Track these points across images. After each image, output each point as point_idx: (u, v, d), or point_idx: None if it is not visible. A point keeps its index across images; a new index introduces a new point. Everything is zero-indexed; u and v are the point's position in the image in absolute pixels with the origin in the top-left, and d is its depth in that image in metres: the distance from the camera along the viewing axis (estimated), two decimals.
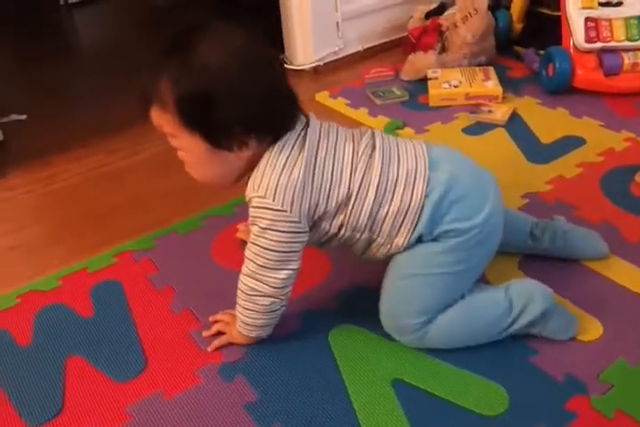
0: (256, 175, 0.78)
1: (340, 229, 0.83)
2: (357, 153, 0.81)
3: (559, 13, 1.57)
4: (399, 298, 0.86)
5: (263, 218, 0.78)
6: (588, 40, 1.47)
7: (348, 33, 1.78)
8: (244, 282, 0.83)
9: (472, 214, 0.82)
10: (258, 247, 0.79)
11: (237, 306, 0.86)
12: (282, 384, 0.85)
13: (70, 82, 1.81)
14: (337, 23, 1.75)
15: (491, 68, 1.60)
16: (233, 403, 0.83)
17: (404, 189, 0.81)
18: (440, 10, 1.75)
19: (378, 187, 0.80)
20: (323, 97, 1.61)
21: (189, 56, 0.73)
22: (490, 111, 1.45)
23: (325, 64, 1.77)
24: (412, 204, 0.81)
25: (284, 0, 1.72)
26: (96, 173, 1.35)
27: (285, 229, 0.78)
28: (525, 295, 0.87)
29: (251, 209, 0.79)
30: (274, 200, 0.77)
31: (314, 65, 1.76)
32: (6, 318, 0.99)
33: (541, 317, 0.87)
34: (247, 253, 0.82)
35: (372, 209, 0.80)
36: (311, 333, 0.92)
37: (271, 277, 0.81)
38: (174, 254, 1.10)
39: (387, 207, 0.81)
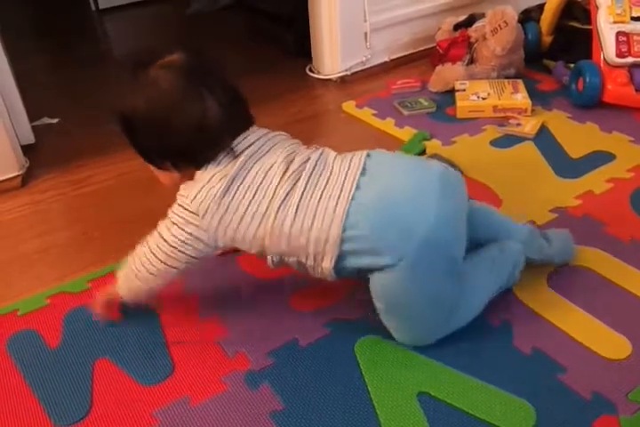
0: (187, 184, 0.87)
1: (262, 253, 0.87)
2: (282, 181, 0.84)
3: (589, 27, 1.56)
4: (409, 325, 0.89)
5: (178, 215, 0.86)
6: (619, 55, 1.47)
7: (376, 43, 1.79)
8: (135, 262, 0.90)
9: (403, 239, 0.81)
10: (160, 239, 0.87)
11: (121, 272, 0.93)
12: (307, 394, 0.85)
13: (101, 87, 1.84)
14: (365, 34, 1.76)
15: (519, 81, 1.59)
16: (259, 411, 0.83)
17: (323, 220, 0.82)
18: (469, 22, 1.75)
19: (296, 215, 0.82)
20: (349, 107, 1.61)
21: (122, 97, 0.86)
22: (518, 124, 1.45)
23: (353, 74, 1.78)
24: (331, 234, 0.81)
25: (314, 10, 1.73)
26: (127, 178, 1.37)
27: (188, 230, 0.85)
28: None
29: (174, 205, 0.87)
30: (191, 202, 0.84)
31: (341, 75, 1.77)
32: (36, 319, 1.00)
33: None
34: (151, 238, 0.88)
35: (289, 237, 0.83)
36: (337, 343, 0.92)
37: (152, 264, 0.88)
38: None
39: (306, 235, 0.82)
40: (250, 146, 0.86)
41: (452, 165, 1.29)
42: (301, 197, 0.82)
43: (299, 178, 0.83)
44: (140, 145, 0.88)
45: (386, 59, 1.83)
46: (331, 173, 0.84)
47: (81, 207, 1.30)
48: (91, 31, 2.45)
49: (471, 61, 1.68)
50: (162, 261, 0.87)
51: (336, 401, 0.84)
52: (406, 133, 1.46)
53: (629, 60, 1.46)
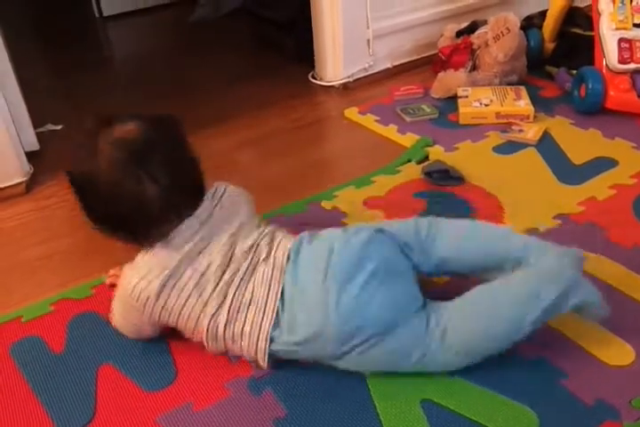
0: (131, 265, 0.89)
1: (205, 342, 0.88)
2: (214, 293, 0.85)
3: (592, 33, 1.57)
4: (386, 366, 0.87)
5: (122, 306, 0.91)
6: (622, 61, 1.47)
7: (379, 50, 1.79)
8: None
9: (336, 349, 0.83)
10: (117, 323, 0.94)
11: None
12: (310, 401, 0.86)
13: (104, 93, 1.85)
14: (368, 40, 1.76)
15: (522, 88, 1.60)
16: (262, 417, 0.84)
17: (249, 335, 0.85)
18: (471, 28, 1.76)
19: (225, 330, 0.85)
20: (352, 113, 1.62)
21: (71, 164, 0.88)
22: (521, 131, 1.45)
23: (355, 80, 1.78)
24: (259, 347, 0.85)
25: (316, 17, 1.74)
26: None
27: (135, 321, 0.91)
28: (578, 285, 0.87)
29: (118, 288, 0.91)
30: (131, 294, 0.86)
31: (344, 81, 1.77)
32: (40, 325, 1.01)
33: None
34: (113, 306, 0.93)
35: (223, 342, 0.87)
36: None
37: (127, 331, 0.95)
38: None
39: (238, 344, 0.86)
40: (192, 236, 0.86)
41: (455, 171, 1.30)
42: (228, 313, 0.85)
43: (226, 293, 0.86)
44: (83, 208, 0.89)
45: (388, 65, 1.83)
46: (253, 288, 0.86)
47: None
48: (94, 38, 2.46)
49: (473, 68, 1.68)
50: (132, 332, 0.95)
51: (339, 408, 0.84)
52: (409, 140, 1.46)
53: (632, 66, 1.46)
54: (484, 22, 1.73)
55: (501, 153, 1.40)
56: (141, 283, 0.85)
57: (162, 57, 2.14)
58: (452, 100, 1.60)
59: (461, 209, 1.21)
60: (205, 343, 0.88)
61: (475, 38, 1.71)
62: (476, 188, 1.27)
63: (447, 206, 1.22)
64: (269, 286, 0.86)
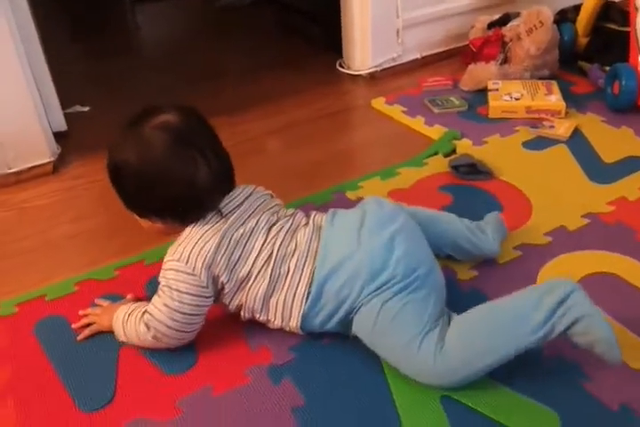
0: (176, 243, 0.89)
1: (239, 309, 0.91)
2: (264, 245, 0.89)
3: (627, 29, 1.53)
4: (390, 349, 0.86)
5: (176, 280, 0.87)
6: None
7: (408, 40, 1.77)
8: (144, 333, 0.88)
9: (354, 281, 0.86)
10: (167, 309, 0.86)
11: (126, 330, 0.91)
12: (329, 392, 0.85)
13: (131, 77, 1.86)
14: (397, 30, 1.74)
15: (554, 83, 1.57)
16: (281, 405, 0.84)
17: (291, 277, 0.88)
18: (503, 21, 1.73)
19: (271, 277, 0.88)
20: (378, 103, 1.61)
21: (115, 152, 0.88)
22: (552, 126, 1.43)
23: (383, 70, 1.77)
24: (297, 292, 0.88)
25: (346, 6, 1.72)
26: None
27: (193, 292, 0.87)
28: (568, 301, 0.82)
29: (164, 272, 0.88)
30: (187, 264, 0.86)
31: (371, 71, 1.76)
32: (64, 305, 1.02)
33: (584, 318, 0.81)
34: (154, 311, 0.87)
35: (265, 295, 0.88)
36: (359, 341, 0.91)
37: (175, 338, 0.89)
38: None
39: (277, 295, 0.88)
40: (238, 206, 0.91)
41: (483, 165, 1.28)
42: (273, 267, 0.88)
43: (272, 249, 0.89)
44: (128, 197, 0.91)
45: (417, 56, 1.81)
46: (296, 246, 0.89)
47: (110, 195, 1.28)
48: (123, 22, 2.47)
49: (504, 61, 1.65)
50: (175, 330, 0.88)
51: (357, 400, 0.84)
52: (436, 132, 1.45)
53: None
54: (517, 15, 1.71)
55: (531, 149, 1.37)
56: (196, 248, 0.86)
57: (189, 42, 2.14)
58: (481, 93, 1.58)
59: (488, 204, 1.19)
60: (245, 306, 0.90)
61: (507, 31, 1.68)
62: (504, 183, 1.26)
63: (474, 201, 1.20)
64: (310, 239, 0.90)
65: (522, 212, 1.17)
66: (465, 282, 1.01)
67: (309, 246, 0.89)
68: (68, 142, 1.48)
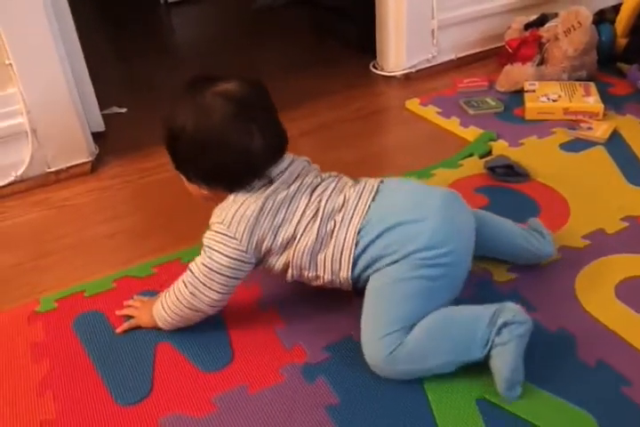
0: (220, 207, 0.91)
1: (287, 267, 0.91)
2: (309, 204, 0.90)
3: None
4: (371, 312, 0.88)
5: (215, 241, 0.88)
6: None
7: (443, 41, 1.76)
8: (182, 291, 0.90)
9: (406, 242, 0.86)
10: (206, 268, 0.88)
11: (164, 302, 0.92)
12: (364, 392, 0.85)
13: (167, 78, 1.88)
14: (432, 31, 1.73)
15: (591, 84, 1.54)
16: (315, 404, 0.84)
17: (338, 231, 0.89)
18: (541, 21, 1.71)
19: (318, 233, 0.89)
20: (413, 104, 1.60)
21: (175, 112, 0.89)
22: (589, 128, 1.40)
23: (417, 71, 1.76)
24: (346, 243, 0.88)
25: (381, 6, 1.72)
26: None
27: (232, 255, 0.88)
28: (505, 304, 0.86)
29: (208, 232, 0.90)
30: (229, 228, 0.87)
31: (405, 72, 1.75)
32: (103, 301, 1.04)
33: (513, 321, 0.83)
34: (194, 268, 0.90)
35: (312, 251, 0.89)
36: None
37: (209, 296, 0.89)
38: None
39: (325, 249, 0.89)
40: (282, 172, 0.91)
41: (520, 167, 1.26)
42: (320, 222, 0.89)
43: (319, 205, 0.90)
44: (180, 161, 0.92)
45: (452, 57, 1.80)
46: (344, 200, 0.90)
47: (147, 195, 1.33)
48: (159, 24, 2.51)
49: (541, 62, 1.63)
50: (212, 290, 0.89)
51: (392, 400, 0.84)
52: (471, 133, 1.43)
53: None
54: (554, 15, 1.68)
55: (568, 150, 1.35)
56: (239, 211, 0.88)
57: (223, 44, 2.16)
58: (517, 95, 1.56)
59: (526, 206, 1.18)
60: (288, 264, 0.91)
61: (544, 31, 1.66)
62: (542, 185, 1.24)
63: (511, 203, 1.19)
64: (360, 195, 0.91)
65: (559, 214, 1.15)
66: (502, 284, 1.00)
67: (358, 202, 0.90)
68: (106, 143, 1.51)
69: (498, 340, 0.83)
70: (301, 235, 0.89)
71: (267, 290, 1.03)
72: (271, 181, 0.90)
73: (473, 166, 1.31)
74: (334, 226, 0.89)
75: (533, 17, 1.74)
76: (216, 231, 0.88)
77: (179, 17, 2.53)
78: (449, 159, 1.35)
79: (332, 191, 0.92)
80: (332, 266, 0.90)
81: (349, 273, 0.89)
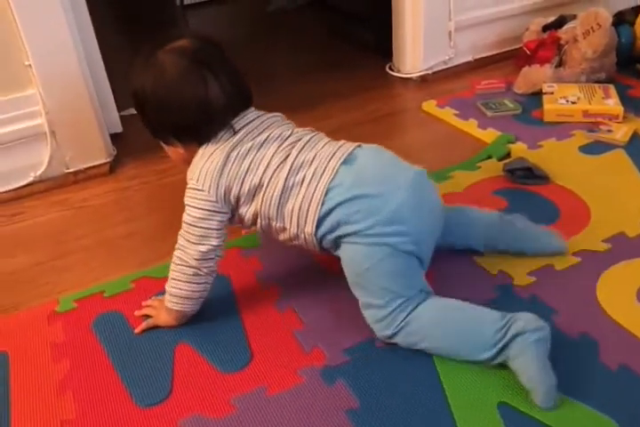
0: (192, 164, 0.95)
1: (256, 216, 0.93)
2: (277, 152, 0.92)
3: None
4: (363, 295, 0.91)
5: (189, 197, 0.93)
6: None
7: (460, 43, 1.76)
8: (175, 254, 0.95)
9: (371, 214, 0.87)
10: (184, 223, 0.93)
11: (168, 279, 0.96)
12: (384, 395, 0.85)
13: None
14: (449, 32, 1.73)
15: (611, 86, 1.53)
16: (335, 407, 0.83)
17: (308, 185, 0.90)
18: (559, 23, 1.69)
19: (285, 181, 0.90)
20: (430, 106, 1.59)
21: (134, 77, 0.94)
22: (609, 131, 1.39)
23: (434, 73, 1.75)
24: (314, 198, 0.89)
25: (397, 9, 1.72)
26: None
27: (202, 207, 0.91)
28: (520, 315, 0.86)
29: (186, 191, 0.94)
30: (197, 182, 0.91)
31: (422, 74, 1.75)
32: (121, 301, 1.04)
33: (528, 331, 0.83)
34: (180, 231, 0.95)
35: (279, 200, 0.91)
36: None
37: (193, 249, 0.93)
38: (279, 254, 1.12)
39: (293, 200, 0.90)
40: (248, 123, 0.94)
41: (539, 169, 1.25)
42: (290, 170, 0.90)
43: (289, 154, 0.91)
44: (148, 120, 0.96)
45: (469, 58, 1.79)
46: (317, 155, 0.91)
47: (164, 196, 1.34)
48: (175, 26, 2.52)
49: (560, 64, 1.62)
50: (194, 243, 0.92)
51: (413, 405, 0.83)
52: (489, 135, 1.42)
53: None
54: (573, 17, 1.67)
55: (588, 153, 1.34)
56: (206, 164, 0.91)
57: (239, 46, 2.14)
58: (535, 97, 1.55)
59: (545, 209, 1.17)
60: (257, 214, 0.92)
61: (562, 33, 1.65)
62: (561, 188, 1.23)
63: (530, 206, 1.18)
64: (332, 155, 0.91)
65: (580, 217, 1.14)
66: (522, 288, 0.99)
67: (330, 160, 0.90)
68: (123, 144, 1.52)
69: (513, 352, 0.83)
70: (268, 182, 0.90)
71: (285, 291, 1.03)
72: (237, 131, 0.93)
73: (491, 168, 1.30)
74: (303, 179, 0.90)
75: (551, 18, 1.73)
76: (189, 188, 0.93)
77: (194, 19, 2.54)
78: (467, 161, 1.34)
79: (305, 144, 0.93)
80: (299, 219, 0.91)
81: (313, 229, 0.90)
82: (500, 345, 0.84)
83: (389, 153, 0.96)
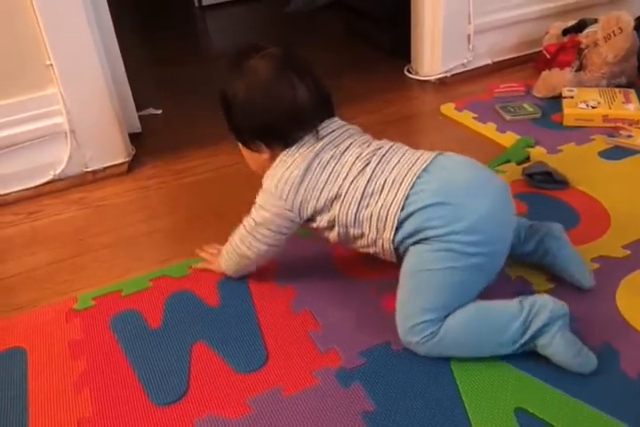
0: (272, 167, 0.96)
1: (333, 224, 0.94)
2: (357, 160, 0.93)
3: None
4: (406, 296, 0.91)
5: (264, 199, 0.96)
6: None
7: (479, 45, 1.75)
8: (236, 243, 1.00)
9: (451, 221, 0.86)
10: (253, 221, 0.97)
11: (224, 250, 1.04)
12: (400, 399, 0.84)
13: (201, 81, 1.90)
14: (468, 35, 1.72)
15: (631, 91, 1.51)
16: (350, 410, 0.83)
17: (388, 191, 0.90)
18: (579, 27, 1.68)
19: (365, 189, 0.91)
20: (448, 109, 1.59)
21: (226, 84, 0.97)
22: (629, 136, 1.37)
23: (452, 76, 1.75)
24: (394, 203, 0.89)
25: (417, 11, 1.72)
26: (226, 171, 1.40)
27: (276, 212, 0.95)
28: (539, 302, 0.87)
29: (260, 190, 0.97)
30: (275, 188, 0.94)
31: (440, 76, 1.74)
32: (139, 300, 1.05)
33: (550, 322, 0.85)
34: (246, 223, 0.99)
35: (358, 207, 0.91)
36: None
37: (256, 246, 0.98)
38: (296, 255, 1.12)
39: (372, 206, 0.91)
40: (332, 132, 0.96)
41: (558, 174, 1.24)
42: (370, 178, 0.91)
43: (369, 161, 0.92)
44: (237, 125, 0.98)
45: (488, 61, 1.78)
46: (398, 161, 0.92)
47: (182, 196, 1.35)
48: (193, 27, 2.53)
49: (580, 68, 1.61)
50: (258, 240, 0.97)
51: (429, 409, 0.83)
52: (508, 139, 1.42)
53: None
54: (594, 21, 1.65)
55: (608, 158, 1.33)
56: (286, 172, 0.93)
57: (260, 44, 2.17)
58: (555, 101, 1.54)
59: (565, 214, 1.16)
60: (334, 221, 0.93)
61: (583, 37, 1.63)
62: (581, 193, 1.22)
63: (549, 211, 1.17)
64: (414, 163, 0.92)
65: (599, 223, 1.13)
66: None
67: (410, 168, 0.91)
68: (142, 144, 1.53)
69: (543, 341, 0.85)
70: (347, 191, 0.91)
71: (301, 292, 1.03)
72: (320, 138, 0.94)
73: (510, 172, 1.29)
74: (384, 185, 0.90)
75: (572, 22, 1.71)
76: (264, 191, 0.96)
77: (213, 20, 2.56)
78: (486, 165, 1.33)
79: (385, 151, 0.94)
80: (377, 224, 0.91)
81: (392, 234, 0.90)
82: (522, 341, 0.86)
83: (475, 163, 0.95)
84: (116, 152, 1.43)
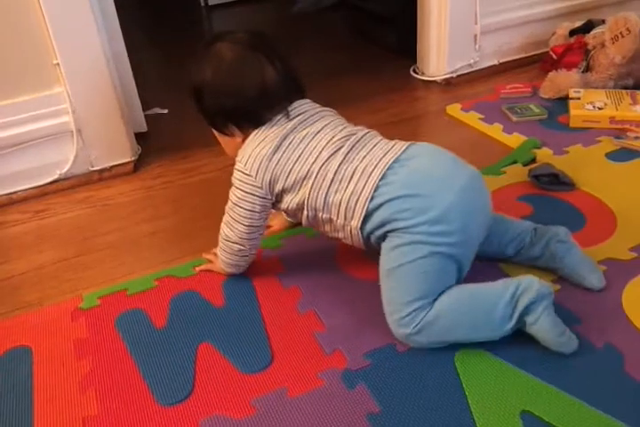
0: (242, 147, 0.98)
1: (300, 206, 0.95)
2: (329, 144, 0.93)
3: None
4: (388, 294, 0.92)
5: (236, 178, 0.97)
6: None
7: (485, 46, 1.74)
8: (221, 227, 1.01)
9: (418, 213, 0.87)
10: (230, 202, 0.98)
11: (218, 247, 1.04)
12: (405, 400, 0.84)
13: None
14: (475, 36, 1.72)
15: (639, 92, 1.51)
16: (355, 411, 0.83)
17: (358, 179, 0.91)
18: (587, 28, 1.68)
19: (335, 174, 0.92)
20: (454, 109, 1.58)
21: (193, 68, 0.98)
22: (637, 138, 1.37)
23: (458, 76, 1.74)
24: (363, 192, 0.90)
25: (423, 11, 1.71)
26: (232, 171, 1.39)
27: (247, 190, 0.95)
28: (524, 282, 0.88)
29: (233, 169, 0.98)
30: (245, 165, 0.95)
31: (446, 77, 1.74)
32: (144, 299, 1.05)
33: (538, 299, 0.86)
34: (226, 206, 0.99)
35: (327, 191, 0.92)
36: (437, 352, 0.90)
37: (237, 228, 0.98)
38: (300, 255, 1.12)
39: (342, 192, 0.92)
40: (303, 112, 0.97)
41: (565, 176, 1.24)
42: (341, 163, 0.92)
43: (341, 147, 0.93)
44: (208, 110, 0.99)
45: (495, 62, 1.78)
46: (371, 150, 0.93)
47: (188, 195, 1.35)
48: (199, 27, 2.53)
49: (587, 69, 1.60)
50: (238, 221, 0.98)
51: (434, 411, 0.82)
52: (515, 140, 1.41)
53: None
54: (601, 22, 1.65)
55: (615, 160, 1.32)
56: (256, 149, 0.94)
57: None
58: (561, 102, 1.53)
59: (571, 216, 1.15)
60: (303, 204, 0.94)
61: (590, 38, 1.63)
62: (587, 195, 1.21)
63: (555, 212, 1.17)
64: (388, 150, 0.92)
65: (606, 225, 1.13)
66: None
67: (382, 158, 0.91)
68: (148, 143, 1.53)
69: (530, 319, 0.87)
70: (317, 173, 0.92)
71: (306, 292, 1.03)
72: (291, 119, 0.95)
73: (516, 174, 1.29)
74: (354, 173, 0.91)
75: (579, 23, 1.71)
76: (236, 169, 0.96)
77: (219, 20, 2.56)
78: (492, 166, 1.33)
79: (358, 139, 0.94)
80: (346, 212, 0.92)
81: (360, 223, 0.91)
82: (513, 321, 0.87)
83: (446, 152, 0.96)
84: (121, 151, 1.43)
